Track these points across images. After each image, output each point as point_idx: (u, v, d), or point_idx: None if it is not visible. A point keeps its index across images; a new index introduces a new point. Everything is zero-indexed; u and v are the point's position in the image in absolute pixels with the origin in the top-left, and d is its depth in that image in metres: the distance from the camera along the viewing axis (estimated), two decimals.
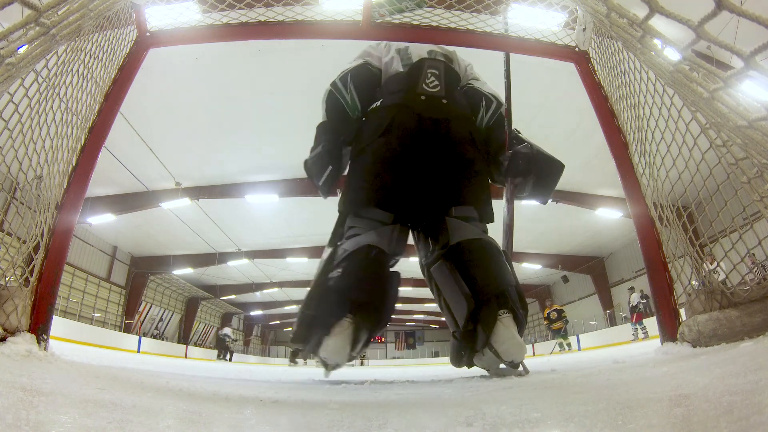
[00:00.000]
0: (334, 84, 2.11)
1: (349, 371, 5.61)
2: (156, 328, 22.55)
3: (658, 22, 1.09)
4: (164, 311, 23.64)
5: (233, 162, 11.99)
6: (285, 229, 16.61)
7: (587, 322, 20.26)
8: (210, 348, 26.51)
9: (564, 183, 13.28)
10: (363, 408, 0.97)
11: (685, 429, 0.58)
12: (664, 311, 1.80)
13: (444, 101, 2.01)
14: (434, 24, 2.45)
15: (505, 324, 1.63)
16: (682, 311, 1.74)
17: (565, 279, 21.94)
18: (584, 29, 2.30)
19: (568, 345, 14.30)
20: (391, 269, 1.93)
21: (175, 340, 23.79)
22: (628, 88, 1.91)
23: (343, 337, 1.59)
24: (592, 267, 20.05)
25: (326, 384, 1.81)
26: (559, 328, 14.51)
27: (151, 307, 22.33)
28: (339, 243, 1.89)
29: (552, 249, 19.22)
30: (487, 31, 2.46)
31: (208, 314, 29.34)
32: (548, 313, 14.88)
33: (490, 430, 0.66)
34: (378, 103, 2.09)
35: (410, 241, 2.13)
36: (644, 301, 13.55)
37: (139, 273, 19.97)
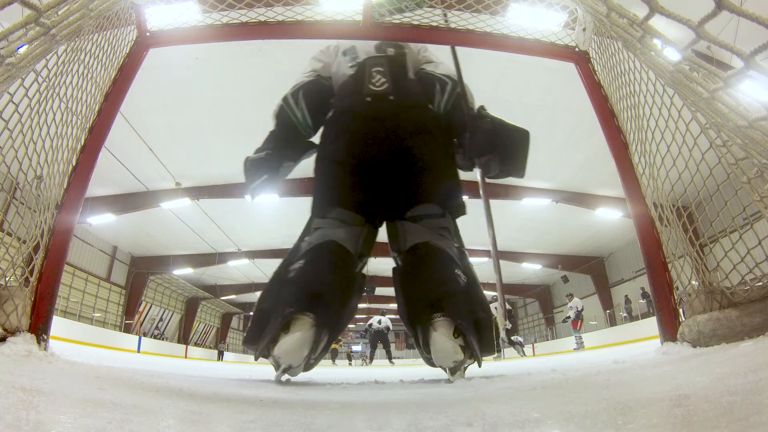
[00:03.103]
0: (285, 100, 2.10)
1: (349, 371, 5.61)
2: (156, 328, 22.55)
3: (658, 22, 1.09)
4: (164, 311, 23.64)
5: (233, 162, 11.90)
6: (285, 229, 16.59)
7: (587, 322, 20.26)
8: (210, 348, 26.50)
9: (564, 183, 13.33)
10: (363, 408, 0.97)
11: (685, 429, 0.58)
12: (664, 311, 1.80)
13: (391, 98, 1.96)
14: (434, 24, 2.45)
15: (438, 330, 1.57)
16: (682, 311, 1.74)
17: (565, 279, 21.95)
18: (584, 29, 2.30)
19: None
20: (363, 275, 1.92)
21: (175, 340, 23.79)
22: (628, 88, 1.91)
23: (301, 335, 1.48)
24: (592, 267, 20.06)
25: (326, 384, 1.80)
26: None
27: (151, 307, 22.34)
28: (304, 237, 1.87)
29: (552, 249, 19.23)
30: (487, 31, 2.46)
31: (208, 314, 29.33)
32: None
33: (490, 430, 0.66)
34: (331, 112, 2.09)
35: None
36: (580, 306, 13.56)
37: (139, 273, 19.98)
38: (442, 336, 1.56)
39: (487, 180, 2.19)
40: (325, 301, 1.59)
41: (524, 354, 11.86)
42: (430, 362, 1.84)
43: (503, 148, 1.95)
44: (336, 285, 1.68)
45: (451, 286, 1.69)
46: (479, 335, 1.65)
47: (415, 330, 1.76)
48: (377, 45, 2.23)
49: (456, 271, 1.74)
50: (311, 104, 2.08)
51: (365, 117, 1.93)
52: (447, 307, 1.61)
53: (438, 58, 2.27)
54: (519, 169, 2.01)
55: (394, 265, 1.99)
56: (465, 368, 1.75)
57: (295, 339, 1.47)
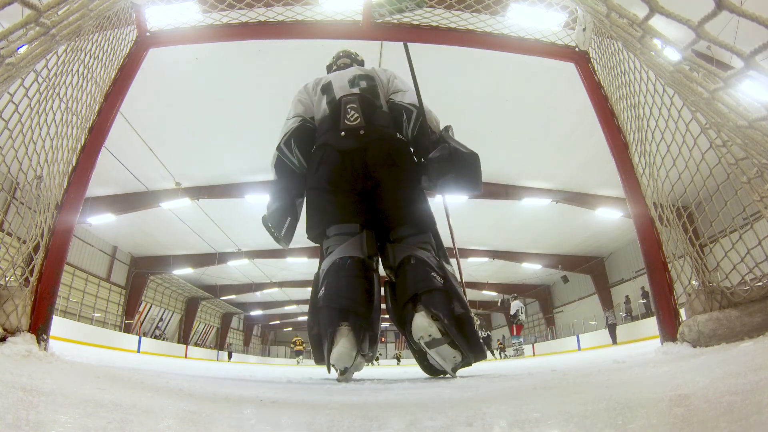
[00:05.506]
0: (280, 149, 2.33)
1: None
2: (156, 327, 22.54)
3: (658, 22, 1.09)
4: (164, 311, 23.63)
5: (233, 162, 11.99)
6: None
7: (587, 322, 20.25)
8: (210, 348, 26.49)
9: (564, 183, 13.32)
10: (363, 408, 0.97)
11: (685, 429, 0.58)
12: (664, 311, 1.80)
13: (362, 132, 2.19)
14: (434, 24, 2.45)
15: (417, 315, 1.89)
16: (682, 311, 1.74)
17: (565, 279, 21.94)
18: (584, 29, 2.30)
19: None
20: (375, 270, 2.16)
21: (175, 340, 23.77)
22: (628, 88, 1.91)
23: (344, 342, 1.83)
24: (592, 267, 20.04)
25: (326, 384, 1.81)
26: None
27: (151, 307, 22.32)
28: (320, 266, 2.14)
29: (552, 249, 19.21)
30: (487, 31, 2.46)
31: (208, 314, 29.32)
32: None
33: (490, 430, 0.66)
34: (314, 147, 2.30)
35: None
36: (523, 313, 13.32)
37: (139, 273, 19.97)
38: (419, 317, 1.88)
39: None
40: (354, 309, 1.92)
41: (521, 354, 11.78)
42: (422, 361, 2.12)
43: (458, 172, 2.16)
44: (356, 294, 1.97)
45: (427, 284, 1.95)
46: (461, 331, 1.89)
47: (403, 327, 2.01)
48: (350, 79, 2.38)
49: (432, 273, 1.99)
50: (302, 148, 2.31)
51: (340, 150, 2.16)
52: (424, 300, 1.91)
53: (406, 85, 2.43)
54: (473, 187, 2.22)
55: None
56: (457, 367, 1.98)
57: (341, 346, 1.83)
